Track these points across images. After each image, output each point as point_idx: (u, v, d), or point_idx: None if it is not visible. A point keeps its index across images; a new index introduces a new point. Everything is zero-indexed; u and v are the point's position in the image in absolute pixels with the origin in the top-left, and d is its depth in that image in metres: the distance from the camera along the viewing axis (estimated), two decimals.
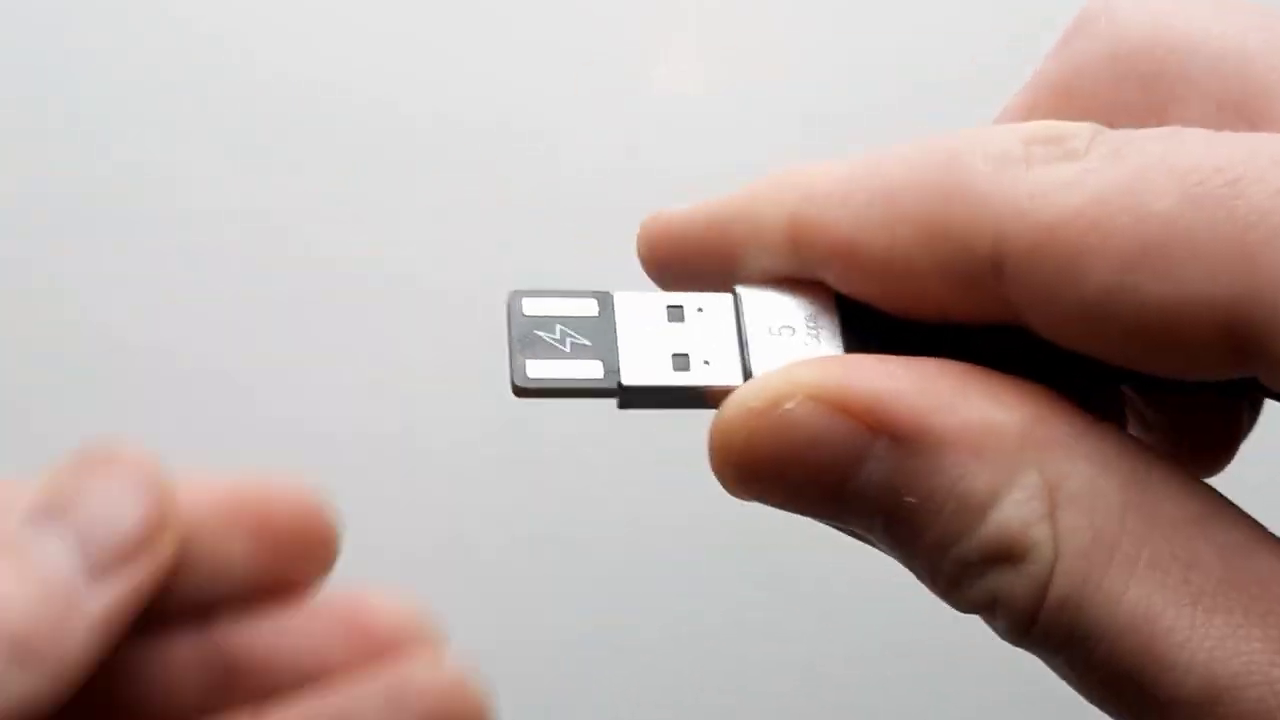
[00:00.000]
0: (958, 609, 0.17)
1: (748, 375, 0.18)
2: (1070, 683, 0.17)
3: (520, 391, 0.18)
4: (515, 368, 0.18)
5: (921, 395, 0.17)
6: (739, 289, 0.19)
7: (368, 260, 0.49)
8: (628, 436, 0.48)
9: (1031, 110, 0.20)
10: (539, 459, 0.49)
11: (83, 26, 0.49)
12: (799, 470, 0.17)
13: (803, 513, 0.18)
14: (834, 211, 0.18)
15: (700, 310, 0.19)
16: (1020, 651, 0.17)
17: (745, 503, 0.18)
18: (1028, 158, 0.17)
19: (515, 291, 0.19)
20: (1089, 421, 0.17)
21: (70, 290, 0.48)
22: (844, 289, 0.18)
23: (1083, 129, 0.17)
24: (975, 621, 0.17)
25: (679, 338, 0.19)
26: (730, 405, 0.18)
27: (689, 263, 0.19)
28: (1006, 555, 0.16)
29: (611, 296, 0.19)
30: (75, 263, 0.48)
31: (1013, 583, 0.16)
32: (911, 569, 0.17)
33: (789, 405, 0.17)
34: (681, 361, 0.18)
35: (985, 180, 0.17)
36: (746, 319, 0.19)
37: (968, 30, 0.51)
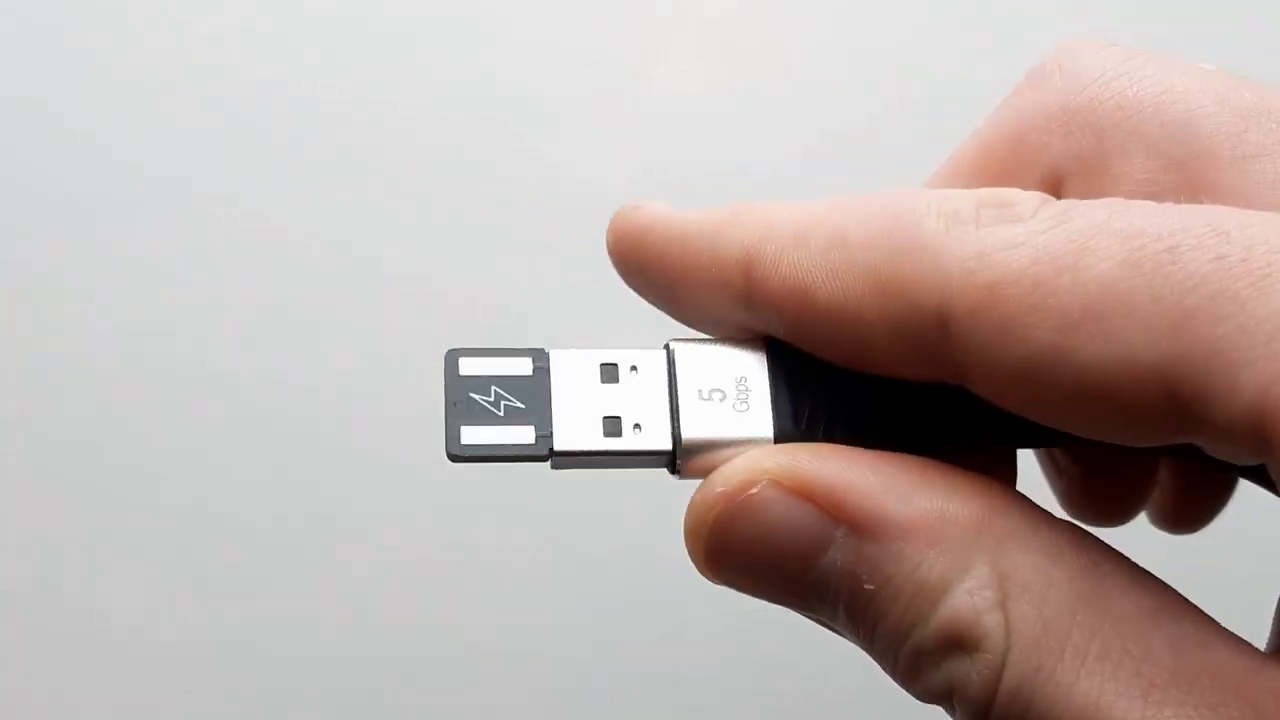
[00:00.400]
0: (918, 698, 0.17)
1: (677, 441, 0.19)
2: None
3: (455, 458, 0.18)
4: (450, 434, 0.18)
5: (880, 485, 0.17)
6: (673, 344, 0.19)
7: (367, 260, 0.49)
8: None
9: (982, 156, 0.21)
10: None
11: (83, 26, 0.49)
12: (764, 552, 0.18)
13: (773, 599, 0.18)
14: (791, 253, 0.18)
15: (634, 369, 0.19)
16: None
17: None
18: (977, 219, 0.17)
19: (452, 350, 0.19)
20: (1042, 515, 0.17)
21: (70, 290, 0.48)
22: (791, 334, 0.18)
23: (1031, 196, 0.17)
24: None
25: (612, 399, 0.19)
26: (701, 489, 0.18)
27: (646, 269, 0.19)
28: (960, 643, 0.16)
29: (548, 355, 0.19)
30: (75, 263, 0.48)
31: (967, 671, 0.16)
32: (873, 655, 0.18)
33: (754, 490, 0.18)
34: (613, 425, 0.19)
35: (935, 238, 0.17)
36: (679, 380, 0.19)
37: (968, 31, 0.51)
